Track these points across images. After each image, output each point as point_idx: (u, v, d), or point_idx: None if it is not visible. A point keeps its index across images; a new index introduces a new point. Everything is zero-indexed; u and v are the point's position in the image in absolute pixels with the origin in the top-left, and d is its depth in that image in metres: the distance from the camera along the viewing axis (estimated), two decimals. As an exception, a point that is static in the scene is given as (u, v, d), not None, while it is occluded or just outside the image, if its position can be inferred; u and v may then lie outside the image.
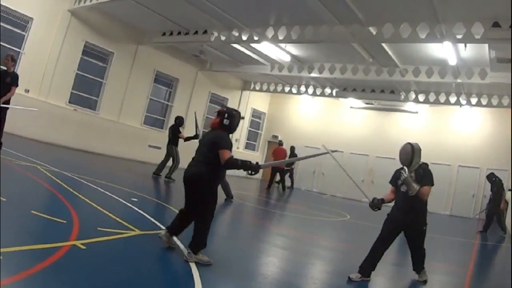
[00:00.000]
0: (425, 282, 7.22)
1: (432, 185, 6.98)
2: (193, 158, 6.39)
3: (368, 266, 6.82)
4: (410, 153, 7.01)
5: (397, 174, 7.15)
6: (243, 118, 29.12)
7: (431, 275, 8.07)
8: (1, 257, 4.21)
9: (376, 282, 6.98)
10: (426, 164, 7.21)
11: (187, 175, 6.25)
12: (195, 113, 17.15)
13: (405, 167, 7.04)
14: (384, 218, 7.16)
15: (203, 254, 5.99)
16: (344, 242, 11.36)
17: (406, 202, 6.93)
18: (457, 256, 11.59)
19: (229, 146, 6.13)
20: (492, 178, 16.18)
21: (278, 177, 23.51)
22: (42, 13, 18.14)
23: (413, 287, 7.25)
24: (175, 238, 6.56)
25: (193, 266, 5.56)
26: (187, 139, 15.93)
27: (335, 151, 8.81)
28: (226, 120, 6.30)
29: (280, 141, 23.38)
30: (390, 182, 7.35)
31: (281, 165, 22.08)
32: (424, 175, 6.96)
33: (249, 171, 6.15)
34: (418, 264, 7.24)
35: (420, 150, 7.16)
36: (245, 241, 8.93)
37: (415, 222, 6.99)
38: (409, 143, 7.14)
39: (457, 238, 15.46)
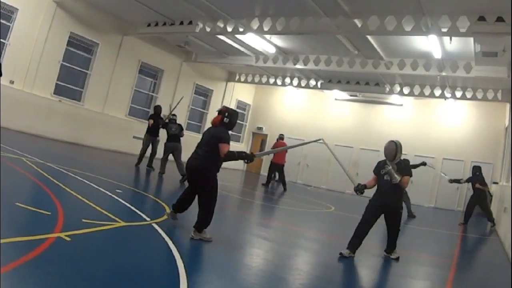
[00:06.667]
0: (397, 258, 8.15)
1: (411, 176, 8.15)
2: (195, 151, 7.27)
3: (355, 243, 7.79)
4: (394, 149, 8.07)
5: (380, 165, 8.25)
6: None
7: (416, 266, 8.18)
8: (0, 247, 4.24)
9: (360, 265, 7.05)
10: (408, 161, 8.69)
11: (192, 167, 7.14)
12: (182, 97, 17.66)
13: (387, 161, 8.08)
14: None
15: (205, 232, 6.93)
16: (329, 234, 11.41)
17: (389, 188, 7.98)
18: (442, 248, 11.68)
19: (229, 140, 7.03)
20: (476, 172, 16.24)
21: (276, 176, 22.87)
22: (27, 4, 17.93)
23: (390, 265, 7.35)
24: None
25: (177, 257, 5.57)
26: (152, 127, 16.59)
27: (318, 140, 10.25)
28: (226, 118, 7.19)
29: (281, 135, 22.59)
30: (374, 171, 8.38)
31: (281, 161, 21.24)
32: (404, 167, 8.12)
33: (245, 160, 7.12)
34: (392, 244, 8.26)
35: (401, 146, 8.18)
36: (230, 232, 8.94)
37: (394, 204, 8.12)
38: (393, 141, 8.21)
39: (441, 230, 15.59)
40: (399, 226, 8.26)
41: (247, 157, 7.06)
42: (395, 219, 8.18)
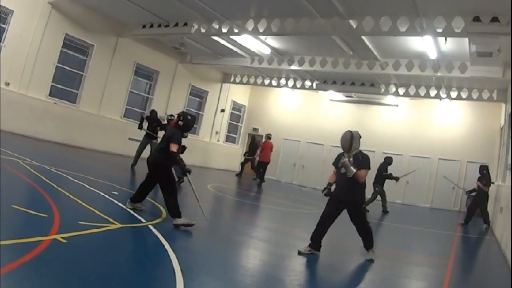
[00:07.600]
0: (371, 261, 7.83)
1: (369, 169, 7.78)
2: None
3: (316, 240, 7.74)
4: (349, 139, 7.83)
5: (339, 157, 7.96)
6: (223, 111, 29.45)
7: (412, 266, 8.17)
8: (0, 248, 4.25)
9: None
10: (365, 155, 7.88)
11: (148, 162, 8.49)
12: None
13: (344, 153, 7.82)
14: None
15: (185, 218, 7.69)
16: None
17: (345, 181, 7.71)
18: (439, 248, 11.68)
19: (177, 141, 8.02)
20: (483, 171, 16.17)
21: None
22: (22, 6, 17.89)
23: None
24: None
25: (174, 259, 5.56)
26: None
27: None
28: (181, 121, 8.24)
29: (268, 134, 23.34)
30: (333, 163, 8.12)
31: (267, 160, 22.94)
32: (361, 160, 7.73)
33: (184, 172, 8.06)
34: (366, 241, 7.97)
35: (359, 137, 7.97)
36: (225, 233, 8.95)
37: (353, 199, 7.79)
38: (349, 131, 8.03)
39: (438, 231, 15.59)
40: (365, 222, 7.99)
41: (184, 169, 7.96)
42: (356, 215, 7.88)
